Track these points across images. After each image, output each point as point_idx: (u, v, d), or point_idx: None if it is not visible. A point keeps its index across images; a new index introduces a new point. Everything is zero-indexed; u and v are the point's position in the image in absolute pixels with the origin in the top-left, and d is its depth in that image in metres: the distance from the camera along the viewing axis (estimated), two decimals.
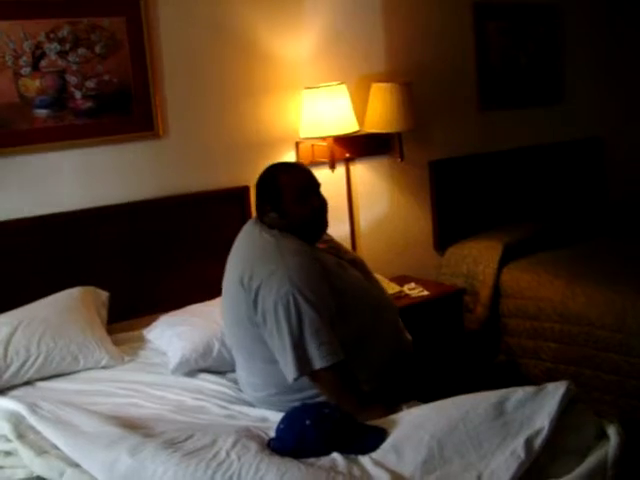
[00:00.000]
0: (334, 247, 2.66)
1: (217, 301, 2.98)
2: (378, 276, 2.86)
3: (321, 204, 2.51)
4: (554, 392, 1.91)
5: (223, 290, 2.53)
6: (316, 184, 2.53)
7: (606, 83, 4.67)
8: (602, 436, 1.83)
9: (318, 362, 2.25)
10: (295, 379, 2.27)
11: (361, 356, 2.40)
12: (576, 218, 4.35)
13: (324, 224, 2.55)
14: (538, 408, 1.88)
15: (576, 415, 1.89)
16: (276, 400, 2.40)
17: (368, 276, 2.64)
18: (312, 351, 2.25)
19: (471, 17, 4.11)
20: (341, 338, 2.32)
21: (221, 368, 2.74)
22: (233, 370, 2.67)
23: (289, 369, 2.27)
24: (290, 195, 2.45)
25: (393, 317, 2.60)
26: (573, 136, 4.56)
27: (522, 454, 1.75)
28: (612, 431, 1.81)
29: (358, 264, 2.64)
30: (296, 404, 2.22)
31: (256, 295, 2.32)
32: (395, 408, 2.23)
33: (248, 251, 2.46)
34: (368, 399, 2.28)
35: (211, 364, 2.73)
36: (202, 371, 2.72)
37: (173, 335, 2.82)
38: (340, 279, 2.44)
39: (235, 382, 2.63)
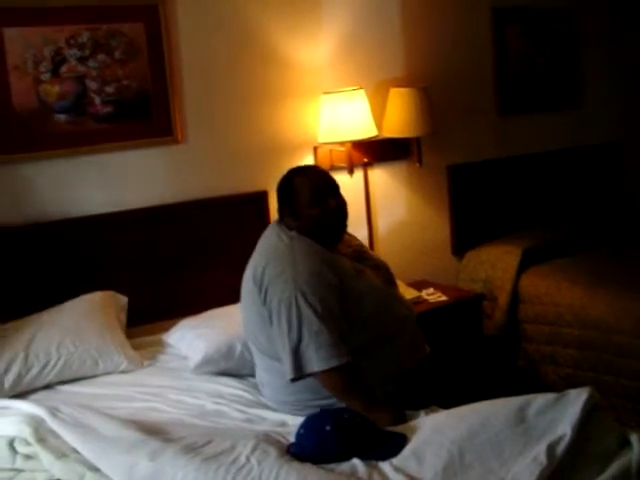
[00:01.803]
0: (358, 251, 2.65)
1: (238, 305, 2.99)
2: (397, 281, 2.85)
3: (337, 205, 2.50)
4: (576, 399, 1.89)
5: (242, 292, 2.54)
6: (332, 186, 2.53)
7: (625, 87, 4.64)
8: (625, 444, 1.81)
9: (316, 365, 2.26)
10: (292, 380, 2.29)
11: (374, 363, 2.39)
12: (595, 223, 4.32)
13: (340, 226, 2.55)
14: (560, 415, 1.87)
15: (598, 423, 1.87)
16: (294, 400, 2.40)
17: (390, 282, 2.63)
18: (310, 354, 2.26)
19: (489, 22, 4.10)
20: (354, 343, 2.32)
21: (242, 371, 2.74)
22: (253, 374, 2.68)
23: (287, 369, 2.29)
24: (303, 197, 2.46)
25: (409, 327, 2.57)
26: (592, 141, 4.53)
27: (544, 460, 1.74)
28: (635, 439, 1.80)
29: (382, 269, 2.63)
30: (313, 404, 2.22)
31: (265, 294, 2.35)
32: (410, 413, 2.22)
33: (264, 251, 2.48)
34: (377, 402, 2.28)
35: (232, 365, 2.74)
36: (222, 374, 2.72)
37: (194, 337, 2.83)
38: (356, 285, 2.43)
39: (254, 387, 2.63)
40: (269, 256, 2.43)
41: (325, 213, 2.46)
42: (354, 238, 2.73)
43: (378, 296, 2.49)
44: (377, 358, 2.40)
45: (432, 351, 2.63)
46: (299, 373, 2.28)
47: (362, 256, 2.63)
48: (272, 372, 2.45)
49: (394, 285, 2.68)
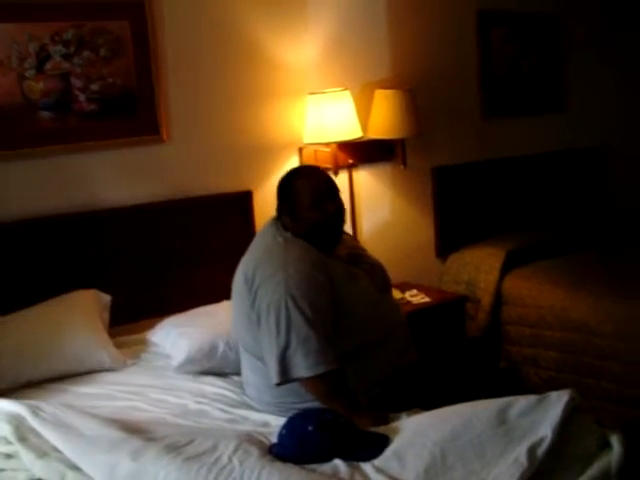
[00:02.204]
0: (354, 253, 2.62)
1: (222, 304, 3.00)
2: None
3: (336, 209, 2.49)
4: (557, 401, 1.90)
5: (233, 291, 2.53)
6: (333, 189, 2.51)
7: (608, 92, 4.67)
8: (605, 446, 1.82)
9: (302, 371, 2.25)
10: (277, 384, 2.28)
11: (358, 369, 2.38)
12: (578, 226, 4.35)
13: (338, 229, 2.53)
14: (541, 417, 1.88)
15: (579, 424, 1.88)
16: (278, 402, 2.40)
17: (384, 286, 2.60)
18: (297, 360, 2.25)
19: (475, 24, 4.12)
20: (340, 348, 2.31)
21: (225, 369, 2.74)
22: (237, 372, 2.68)
23: (272, 374, 2.28)
24: (303, 199, 2.44)
25: (399, 333, 2.55)
26: (576, 145, 4.57)
27: (525, 462, 1.75)
28: (615, 440, 1.81)
29: (377, 271, 2.60)
30: (297, 407, 2.22)
31: (255, 295, 2.34)
32: (392, 415, 2.22)
33: (257, 251, 2.47)
34: (359, 408, 2.27)
35: (215, 364, 2.74)
36: (205, 373, 2.72)
37: (178, 335, 2.83)
38: (347, 292, 2.41)
39: (238, 386, 2.63)
40: (262, 257, 2.41)
41: (324, 217, 2.45)
42: (351, 238, 2.72)
43: (369, 304, 2.47)
44: (363, 363, 2.39)
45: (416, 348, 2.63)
46: (285, 377, 2.27)
47: (358, 258, 2.60)
48: (257, 372, 2.45)
49: (389, 289, 2.66)
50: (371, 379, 2.40)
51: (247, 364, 2.52)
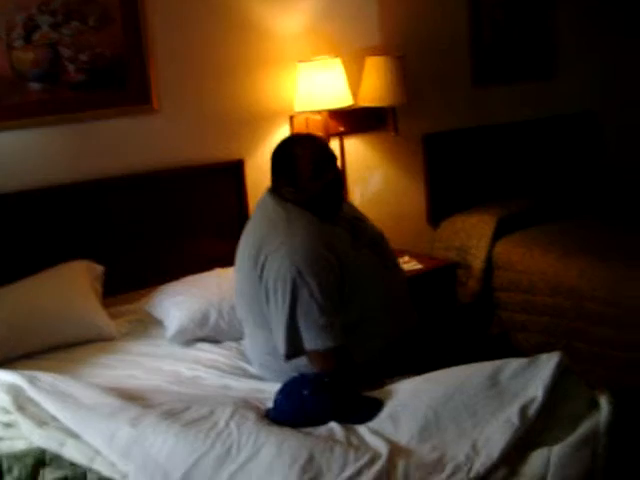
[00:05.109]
0: (356, 224, 2.55)
1: (215, 272, 3.02)
2: None
3: (335, 178, 2.45)
4: (547, 362, 1.94)
5: (237, 259, 2.50)
6: (332, 157, 2.47)
7: (599, 56, 4.65)
8: (594, 406, 1.86)
9: (308, 344, 2.26)
10: (286, 357, 2.28)
11: (361, 339, 2.36)
12: (570, 193, 4.36)
13: (338, 198, 2.49)
14: (532, 378, 1.91)
15: (569, 385, 1.92)
16: (287, 369, 2.37)
17: (386, 254, 2.56)
18: (303, 333, 2.26)
19: None
20: (344, 320, 2.30)
21: (218, 337, 2.77)
22: (230, 339, 2.71)
23: (280, 347, 2.29)
24: (305, 169, 2.38)
25: (400, 298, 2.54)
26: (567, 110, 4.56)
27: (516, 421, 1.79)
28: (604, 400, 1.84)
29: (378, 241, 2.56)
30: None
31: (261, 270, 2.31)
32: (385, 380, 2.24)
33: (261, 224, 2.42)
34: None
35: (208, 333, 2.76)
36: (199, 340, 2.75)
37: (170, 305, 2.84)
38: (350, 260, 2.37)
39: (232, 351, 2.66)
40: (266, 232, 2.36)
41: (325, 186, 2.40)
42: (352, 207, 2.68)
43: (371, 272, 2.44)
44: (365, 334, 2.38)
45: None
46: (292, 350, 2.27)
47: (358, 229, 2.53)
48: (257, 339, 2.46)
49: (391, 258, 2.61)
50: (372, 348, 2.39)
51: (248, 330, 2.53)
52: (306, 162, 2.39)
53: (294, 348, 2.27)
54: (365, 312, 2.39)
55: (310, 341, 2.25)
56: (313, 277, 2.25)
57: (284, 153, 2.46)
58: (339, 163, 3.53)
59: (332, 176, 2.43)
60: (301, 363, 2.31)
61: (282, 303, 2.26)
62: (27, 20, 2.92)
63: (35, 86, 2.97)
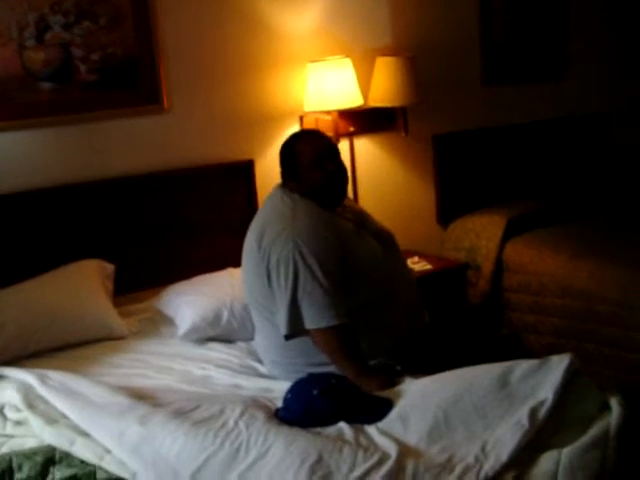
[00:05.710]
0: (359, 219, 2.62)
1: (226, 271, 3.03)
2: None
3: (336, 170, 2.53)
4: (558, 364, 1.94)
5: (243, 251, 2.55)
6: (333, 151, 2.56)
7: (611, 58, 4.64)
8: (604, 408, 1.85)
9: (309, 323, 2.30)
10: (286, 336, 2.32)
11: (367, 328, 2.41)
12: (579, 194, 4.34)
13: (340, 189, 2.57)
14: (542, 380, 1.91)
15: (579, 387, 1.91)
16: (287, 362, 2.44)
17: (392, 250, 2.62)
18: (305, 312, 2.30)
19: None
20: (349, 304, 2.34)
21: (229, 337, 2.77)
22: (241, 339, 2.72)
23: (281, 326, 2.33)
24: (304, 161, 2.49)
25: (407, 293, 2.58)
26: (577, 112, 4.54)
27: (526, 423, 1.78)
28: (614, 403, 1.84)
29: (385, 238, 2.62)
30: (305, 370, 2.25)
31: (264, 252, 2.38)
32: (398, 380, 2.24)
33: (267, 214, 2.51)
34: (368, 368, 2.31)
35: (219, 333, 2.77)
36: (210, 340, 2.76)
37: (182, 303, 2.85)
38: (353, 245, 2.45)
39: (242, 351, 2.67)
40: (270, 216, 2.47)
41: (325, 176, 2.49)
42: (358, 206, 2.74)
43: (374, 259, 2.50)
44: (371, 322, 2.42)
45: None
46: (294, 329, 2.31)
47: (364, 223, 2.62)
48: (267, 332, 2.49)
49: (397, 252, 2.66)
50: (380, 340, 2.42)
51: (258, 324, 2.56)
52: (307, 154, 2.50)
53: (294, 328, 2.32)
54: (369, 298, 2.43)
55: (313, 320, 2.29)
56: (316, 257, 2.31)
57: (288, 148, 2.57)
58: (349, 164, 3.59)
59: (333, 167, 2.51)
60: (312, 357, 2.34)
61: (285, 283, 2.31)
62: (39, 20, 2.93)
63: (46, 86, 2.99)
